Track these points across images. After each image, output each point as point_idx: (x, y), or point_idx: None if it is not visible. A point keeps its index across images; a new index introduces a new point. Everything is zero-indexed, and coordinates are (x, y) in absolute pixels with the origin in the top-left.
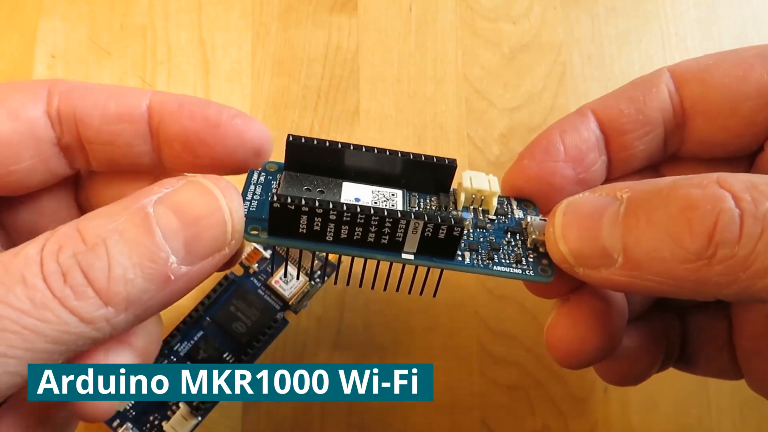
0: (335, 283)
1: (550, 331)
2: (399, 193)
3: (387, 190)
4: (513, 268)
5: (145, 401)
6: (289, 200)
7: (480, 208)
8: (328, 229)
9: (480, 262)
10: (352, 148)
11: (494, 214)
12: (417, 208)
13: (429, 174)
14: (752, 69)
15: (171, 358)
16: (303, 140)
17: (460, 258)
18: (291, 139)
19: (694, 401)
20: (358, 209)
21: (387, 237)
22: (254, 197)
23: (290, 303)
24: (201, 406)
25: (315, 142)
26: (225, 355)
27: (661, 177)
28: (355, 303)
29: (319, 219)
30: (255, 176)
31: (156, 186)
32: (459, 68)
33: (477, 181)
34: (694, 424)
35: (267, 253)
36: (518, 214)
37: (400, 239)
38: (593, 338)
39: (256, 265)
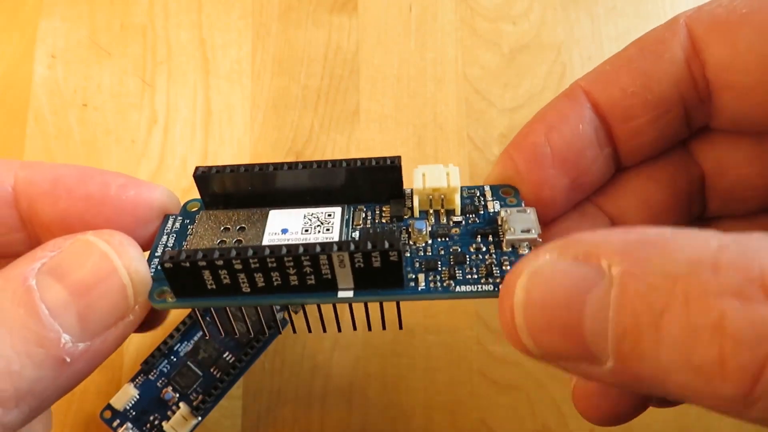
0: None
1: (577, 395)
2: (337, 212)
3: (323, 211)
4: (482, 284)
5: (146, 401)
6: (182, 257)
7: (443, 210)
8: (241, 281)
9: (439, 284)
10: (272, 168)
11: (461, 213)
12: (361, 226)
13: (373, 181)
14: None
15: (171, 358)
16: (213, 171)
17: (412, 283)
18: (199, 173)
19: None
20: (266, 252)
21: (313, 277)
22: (166, 251)
23: None
24: (201, 406)
25: (227, 170)
26: (225, 355)
27: (685, 151)
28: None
29: (225, 271)
30: (170, 223)
31: (39, 250)
32: (459, 68)
33: (432, 178)
34: (694, 424)
35: None
36: (493, 207)
37: (329, 277)
38: (629, 394)
39: None
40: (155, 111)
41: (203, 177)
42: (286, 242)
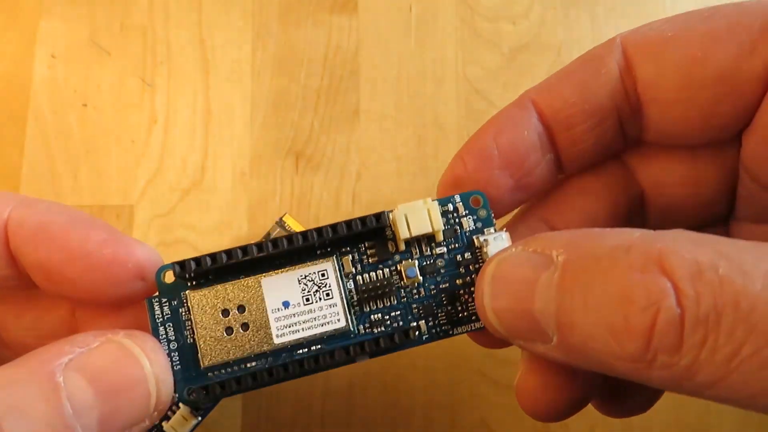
0: None
1: (520, 388)
2: (329, 269)
3: (314, 271)
4: (474, 323)
5: None
6: (207, 391)
7: (424, 240)
8: (268, 379)
9: (439, 330)
10: (255, 252)
11: (443, 238)
12: (353, 272)
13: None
14: (714, 47)
15: None
16: (194, 266)
17: (417, 332)
18: (178, 269)
19: (694, 401)
20: (297, 370)
21: (335, 363)
22: (171, 346)
23: None
24: (201, 406)
25: (208, 262)
26: None
27: (625, 168)
28: None
29: (254, 381)
30: (157, 310)
31: (67, 344)
32: (459, 68)
33: (416, 224)
34: (694, 423)
35: None
36: (468, 225)
37: (350, 361)
38: (567, 390)
39: None
40: (155, 111)
41: (187, 272)
42: (293, 320)
